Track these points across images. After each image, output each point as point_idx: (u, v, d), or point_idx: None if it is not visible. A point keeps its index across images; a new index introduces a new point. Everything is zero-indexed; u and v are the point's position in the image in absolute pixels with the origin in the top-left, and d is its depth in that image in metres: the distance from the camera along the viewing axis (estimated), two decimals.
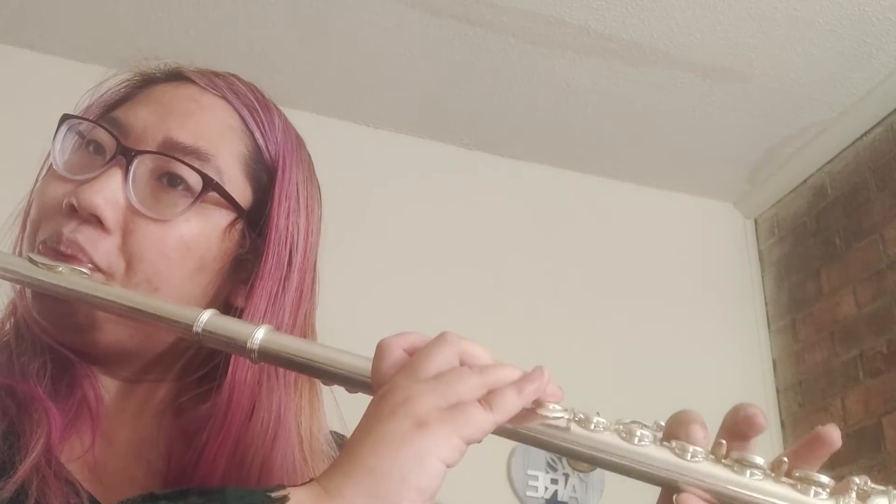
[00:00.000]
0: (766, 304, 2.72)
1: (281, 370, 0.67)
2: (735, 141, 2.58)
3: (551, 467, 2.29)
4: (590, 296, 2.54)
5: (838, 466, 2.27)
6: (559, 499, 2.26)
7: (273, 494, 0.46)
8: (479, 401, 0.51)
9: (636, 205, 2.75)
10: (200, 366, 0.68)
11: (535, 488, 2.25)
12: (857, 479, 0.51)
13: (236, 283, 0.69)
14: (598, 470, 2.30)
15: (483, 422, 0.50)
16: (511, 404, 0.51)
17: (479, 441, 0.51)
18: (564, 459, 2.30)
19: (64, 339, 0.65)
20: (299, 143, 0.76)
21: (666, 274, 2.64)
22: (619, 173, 2.73)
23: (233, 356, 0.65)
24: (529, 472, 2.26)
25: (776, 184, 2.73)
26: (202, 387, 0.67)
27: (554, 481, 2.27)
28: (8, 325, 0.69)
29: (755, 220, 2.86)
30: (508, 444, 2.27)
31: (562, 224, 2.63)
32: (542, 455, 2.29)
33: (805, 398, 2.49)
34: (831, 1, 2.06)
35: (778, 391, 2.58)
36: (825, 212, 2.56)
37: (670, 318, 2.56)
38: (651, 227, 2.72)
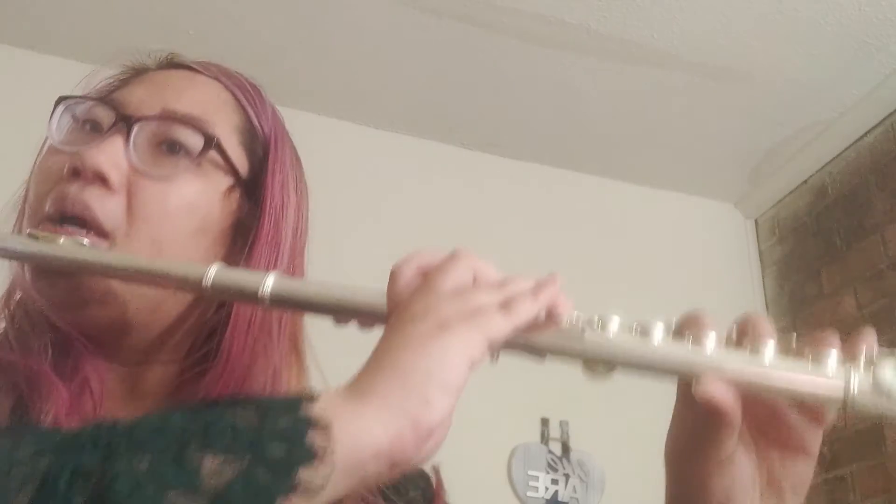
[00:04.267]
0: (766, 304, 2.72)
1: (275, 338, 0.68)
2: (735, 141, 2.58)
3: (552, 468, 2.29)
4: (589, 296, 2.51)
5: (839, 467, 2.27)
6: (559, 499, 2.26)
7: (303, 396, 0.47)
8: (497, 307, 0.52)
9: (636, 205, 2.75)
10: (202, 346, 0.68)
11: (536, 489, 2.25)
12: (864, 345, 0.52)
13: (235, 251, 0.69)
14: (599, 471, 2.30)
15: (503, 324, 0.51)
16: (527, 308, 0.53)
17: (496, 354, 0.52)
18: (565, 459, 2.30)
19: (67, 316, 0.64)
20: (286, 131, 0.78)
21: (666, 274, 2.64)
22: (619, 173, 2.73)
23: (231, 323, 0.65)
24: (530, 472, 2.26)
25: (777, 184, 2.72)
26: (201, 365, 0.67)
27: (554, 482, 2.27)
28: (5, 313, 0.68)
29: (755, 221, 2.86)
30: (509, 445, 2.27)
31: (562, 224, 2.63)
32: (542, 455, 2.29)
33: None
34: (832, 1, 2.06)
35: None
36: (826, 212, 2.56)
37: (670, 319, 2.56)
38: (651, 227, 2.72)
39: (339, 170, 2.27)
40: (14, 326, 0.66)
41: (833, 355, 0.52)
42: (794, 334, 0.54)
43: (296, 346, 0.72)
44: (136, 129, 0.66)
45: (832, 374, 0.51)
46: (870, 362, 0.51)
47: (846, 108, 2.42)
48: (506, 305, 0.52)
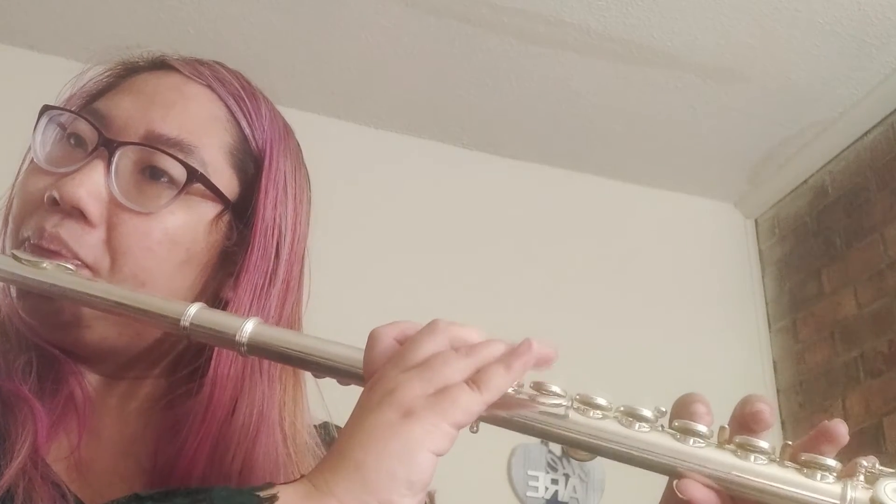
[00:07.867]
0: (766, 304, 2.72)
1: (264, 365, 0.66)
2: (735, 141, 2.58)
3: (552, 467, 2.29)
4: (589, 296, 2.53)
5: None
6: (559, 499, 2.26)
7: (261, 494, 0.45)
8: (466, 382, 0.49)
9: (636, 205, 2.75)
10: (191, 361, 0.67)
11: (536, 488, 2.25)
12: (864, 462, 0.49)
13: (225, 276, 0.67)
14: (599, 470, 2.30)
15: (471, 403, 0.49)
16: (499, 381, 0.50)
17: (473, 428, 0.50)
18: (565, 459, 2.30)
19: (51, 337, 0.64)
20: (287, 131, 0.75)
21: (666, 274, 2.64)
22: (619, 173, 2.72)
23: (215, 351, 0.64)
24: (530, 472, 2.26)
25: (776, 184, 2.72)
26: (192, 382, 0.66)
27: (554, 481, 2.27)
28: None
29: (755, 220, 2.86)
30: (509, 445, 2.27)
31: (561, 224, 2.62)
32: (542, 455, 2.29)
33: (806, 399, 2.49)
34: (831, 1, 2.06)
35: (778, 391, 2.58)
36: (826, 212, 2.56)
37: (670, 319, 2.56)
38: (651, 227, 2.72)
39: (339, 170, 2.27)
40: (0, 339, 0.65)
41: (830, 467, 0.49)
42: (789, 443, 0.51)
43: None
44: (118, 154, 0.64)
45: (827, 490, 0.48)
46: (870, 479, 0.49)
47: (846, 108, 2.42)
48: (475, 379, 0.49)
